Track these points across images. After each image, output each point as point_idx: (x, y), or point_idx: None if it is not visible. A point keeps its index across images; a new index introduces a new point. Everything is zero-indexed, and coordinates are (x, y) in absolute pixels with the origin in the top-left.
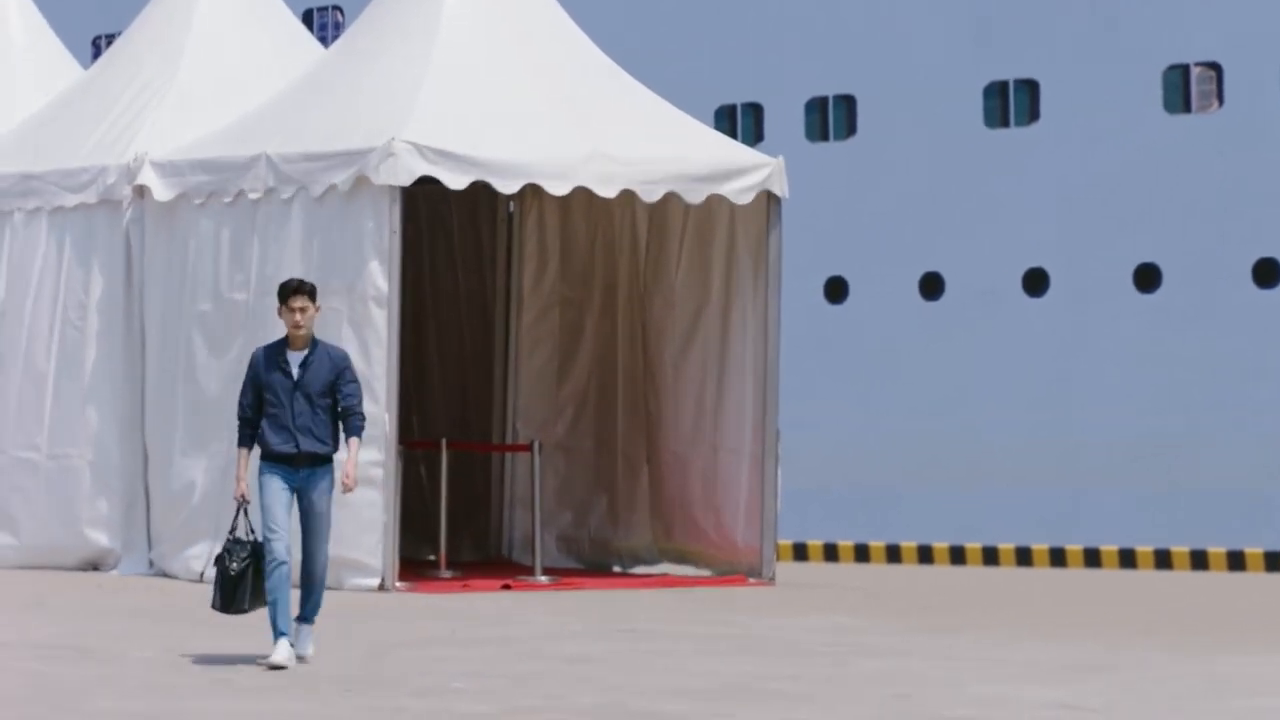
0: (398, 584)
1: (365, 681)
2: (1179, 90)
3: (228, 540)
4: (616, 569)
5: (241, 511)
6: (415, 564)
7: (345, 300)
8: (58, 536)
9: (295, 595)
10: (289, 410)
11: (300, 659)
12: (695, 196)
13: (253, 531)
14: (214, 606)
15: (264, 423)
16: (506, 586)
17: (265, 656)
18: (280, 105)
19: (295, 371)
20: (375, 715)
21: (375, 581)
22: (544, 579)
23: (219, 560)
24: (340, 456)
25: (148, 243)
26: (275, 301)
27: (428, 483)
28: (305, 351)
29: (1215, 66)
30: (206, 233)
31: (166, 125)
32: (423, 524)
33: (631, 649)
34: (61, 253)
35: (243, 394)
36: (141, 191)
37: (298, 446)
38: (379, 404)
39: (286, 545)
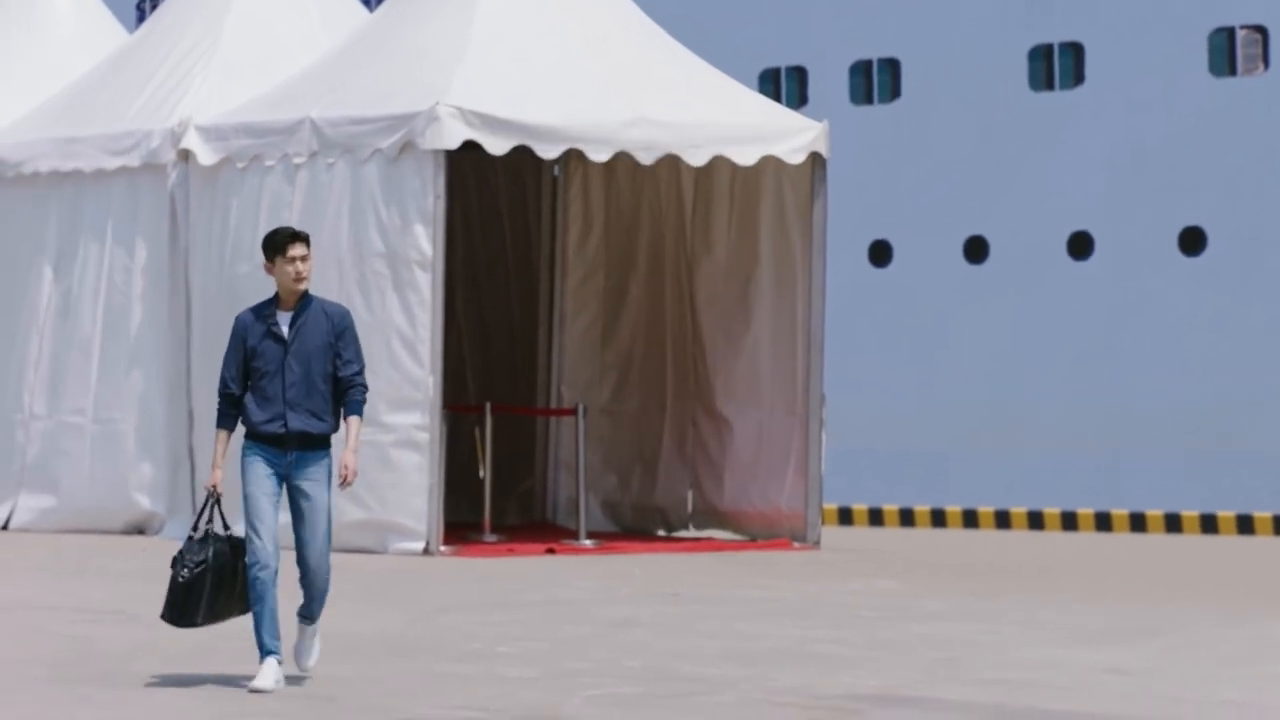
0: (442, 548)
1: (410, 645)
2: (1224, 53)
3: (187, 540)
4: (660, 533)
5: (211, 505)
6: (459, 527)
7: (389, 264)
8: (103, 500)
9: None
10: (279, 381)
11: (302, 673)
12: (745, 158)
13: (228, 528)
14: (161, 616)
15: (248, 396)
16: (551, 550)
17: (250, 679)
18: (324, 69)
19: (286, 333)
20: (420, 679)
21: (420, 545)
22: (588, 543)
23: (173, 562)
24: (340, 437)
25: (192, 206)
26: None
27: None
28: (296, 310)
29: (1261, 29)
30: (250, 197)
31: (211, 89)
32: (467, 487)
33: (678, 613)
34: (106, 217)
35: (225, 365)
36: (186, 155)
37: (286, 425)
38: (423, 367)
39: (274, 546)
